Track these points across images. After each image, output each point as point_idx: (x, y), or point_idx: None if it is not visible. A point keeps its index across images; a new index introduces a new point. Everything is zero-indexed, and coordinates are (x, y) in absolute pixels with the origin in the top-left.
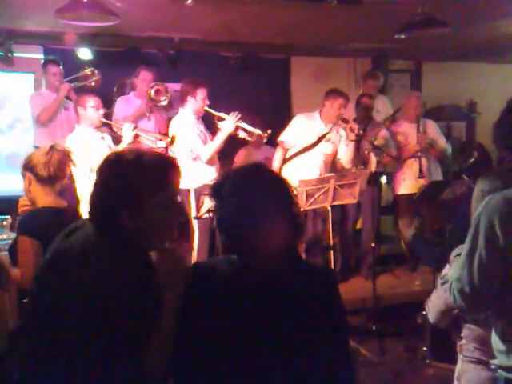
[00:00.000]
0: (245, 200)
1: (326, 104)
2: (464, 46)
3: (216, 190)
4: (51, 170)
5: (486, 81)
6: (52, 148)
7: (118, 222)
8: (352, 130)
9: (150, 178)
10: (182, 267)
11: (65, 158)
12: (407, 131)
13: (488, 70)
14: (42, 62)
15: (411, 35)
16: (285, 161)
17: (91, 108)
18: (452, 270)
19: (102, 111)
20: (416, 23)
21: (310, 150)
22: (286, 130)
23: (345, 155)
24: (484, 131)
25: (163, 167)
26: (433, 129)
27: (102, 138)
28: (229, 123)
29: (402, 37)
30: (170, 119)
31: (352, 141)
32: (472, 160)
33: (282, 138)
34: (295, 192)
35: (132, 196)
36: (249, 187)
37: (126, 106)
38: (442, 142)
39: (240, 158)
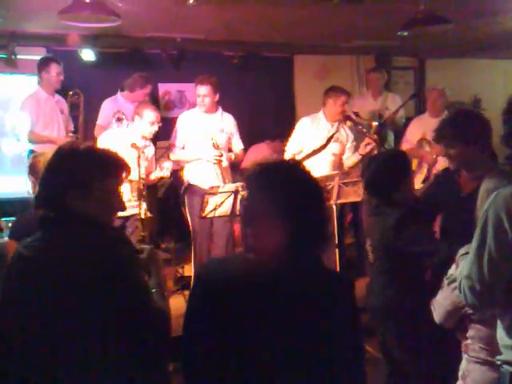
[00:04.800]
0: (271, 199)
1: (329, 102)
2: (467, 43)
3: (249, 181)
4: (36, 176)
5: (489, 77)
6: (38, 155)
7: (65, 202)
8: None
9: (99, 164)
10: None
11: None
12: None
13: (491, 65)
14: (41, 60)
15: (414, 32)
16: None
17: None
18: (460, 268)
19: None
20: (418, 20)
21: (320, 152)
22: (292, 137)
23: (347, 159)
24: None
25: (112, 158)
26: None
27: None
28: (208, 157)
29: (405, 34)
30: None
31: (361, 155)
32: None
33: (288, 147)
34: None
35: (80, 176)
36: (277, 184)
37: (113, 107)
38: None
39: (252, 155)
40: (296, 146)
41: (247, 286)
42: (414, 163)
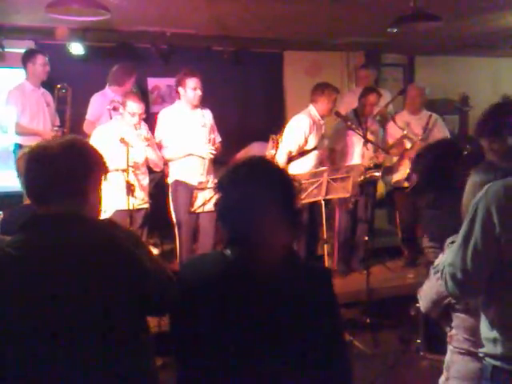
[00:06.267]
0: (244, 193)
1: (321, 100)
2: (456, 40)
3: (219, 182)
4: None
5: (477, 74)
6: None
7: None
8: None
9: (99, 159)
10: None
11: None
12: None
13: (480, 63)
14: (26, 52)
15: (403, 29)
16: (291, 159)
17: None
18: (445, 256)
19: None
20: (408, 17)
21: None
22: (295, 135)
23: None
24: None
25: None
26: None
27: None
28: (205, 151)
29: (395, 31)
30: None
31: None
32: (465, 153)
33: (289, 146)
34: (298, 187)
35: (96, 170)
36: (249, 180)
37: (102, 101)
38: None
39: (255, 152)
40: (299, 145)
41: (226, 283)
42: (394, 160)
